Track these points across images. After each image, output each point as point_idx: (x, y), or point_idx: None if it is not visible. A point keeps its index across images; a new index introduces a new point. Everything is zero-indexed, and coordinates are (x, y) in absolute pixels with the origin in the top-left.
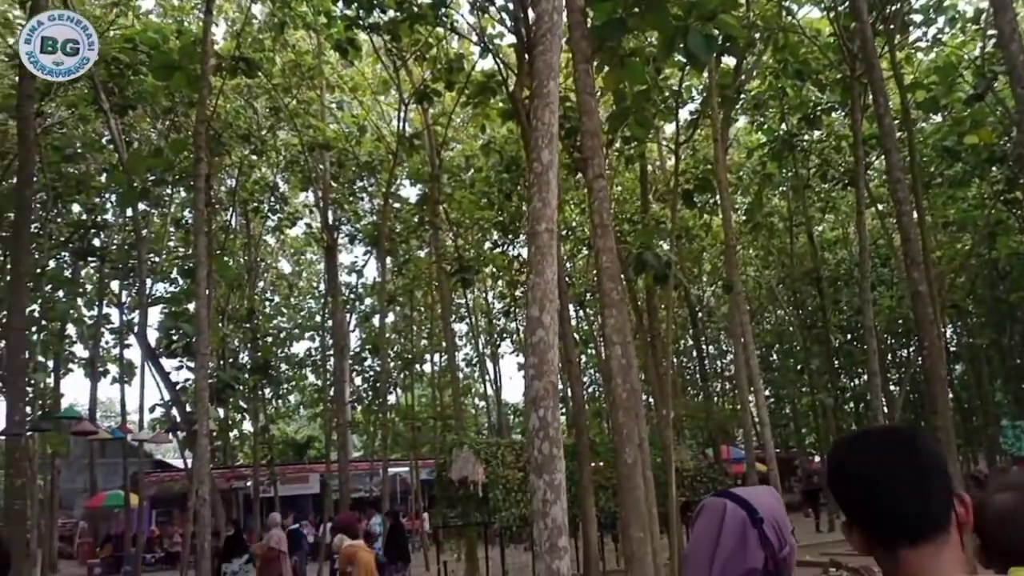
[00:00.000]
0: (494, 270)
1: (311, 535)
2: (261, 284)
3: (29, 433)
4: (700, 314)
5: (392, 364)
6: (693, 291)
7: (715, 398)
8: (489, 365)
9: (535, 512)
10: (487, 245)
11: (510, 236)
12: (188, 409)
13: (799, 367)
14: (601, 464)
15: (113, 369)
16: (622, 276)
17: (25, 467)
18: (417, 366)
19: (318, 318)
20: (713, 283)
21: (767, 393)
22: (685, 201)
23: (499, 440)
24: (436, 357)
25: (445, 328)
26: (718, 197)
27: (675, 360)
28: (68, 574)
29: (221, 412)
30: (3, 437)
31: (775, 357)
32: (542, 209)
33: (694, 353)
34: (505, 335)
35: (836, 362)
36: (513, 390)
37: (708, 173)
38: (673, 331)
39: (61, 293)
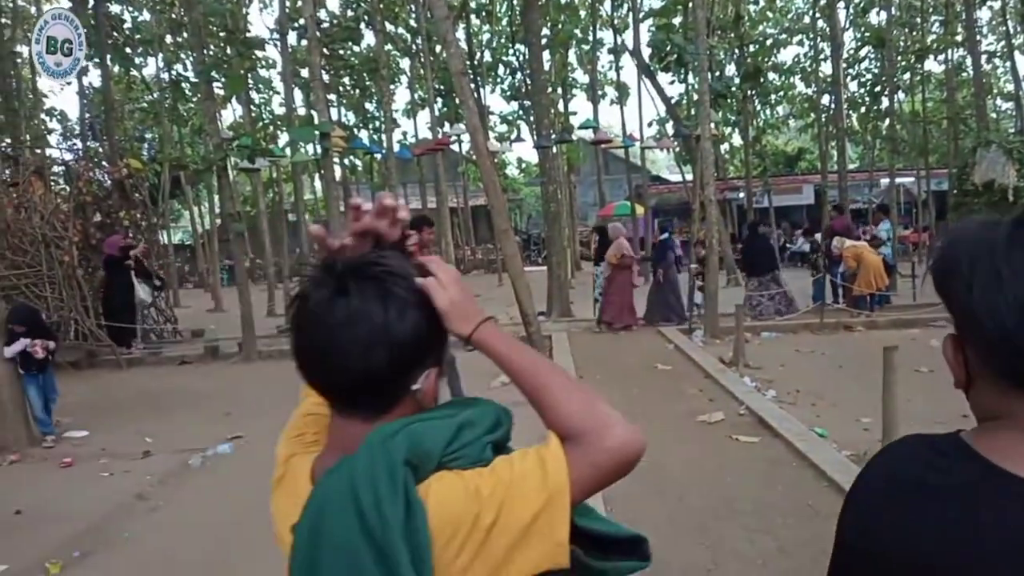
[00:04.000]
0: None
1: (805, 244)
2: None
3: (553, 148)
4: None
5: (895, 63)
6: None
7: None
8: (1018, 57)
9: None
10: None
11: None
12: (683, 122)
13: None
14: None
15: (610, 91)
16: None
17: (555, 174)
18: (928, 60)
19: (807, 19)
20: None
21: None
22: None
23: None
24: (950, 52)
25: (967, 11)
26: None
27: None
28: (588, 271)
29: (712, 125)
30: (536, 149)
31: None
32: None
33: None
34: None
35: None
36: None
37: None
38: None
39: (561, 18)
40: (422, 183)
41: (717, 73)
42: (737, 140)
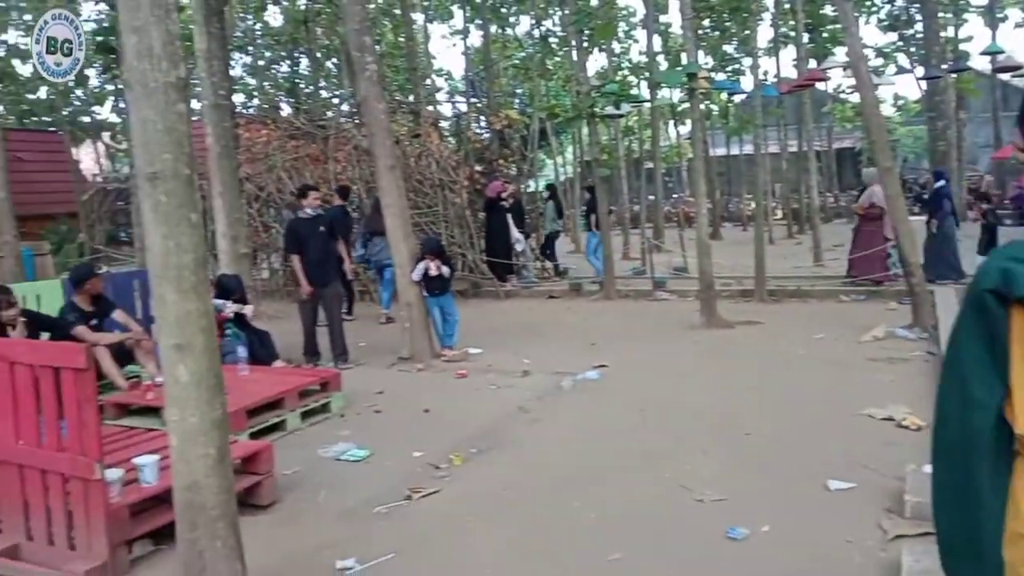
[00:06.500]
0: None
1: None
2: None
3: (943, 77)
4: None
5: None
6: None
7: None
8: None
9: None
10: None
11: None
12: None
13: None
14: None
15: (1014, 14)
16: None
17: (944, 109)
18: None
19: None
20: None
21: None
22: None
23: None
24: None
25: None
26: None
27: None
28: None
29: None
30: (920, 81)
31: None
32: None
33: None
34: None
35: None
36: None
37: None
38: None
39: None
40: (781, 125)
41: None
42: None
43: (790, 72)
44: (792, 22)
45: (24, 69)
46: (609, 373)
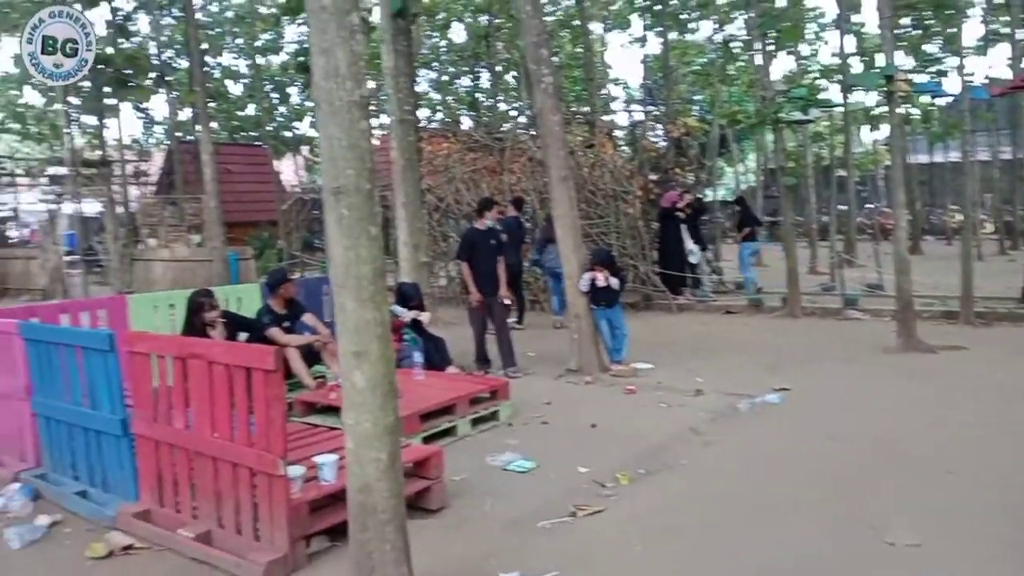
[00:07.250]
0: None
1: None
2: None
3: None
4: None
5: None
6: None
7: None
8: None
9: None
10: None
11: None
12: None
13: None
14: None
15: None
16: None
17: None
18: None
19: None
20: None
21: None
22: None
23: None
24: None
25: None
26: None
27: None
28: None
29: None
30: None
31: None
32: None
33: None
34: None
35: None
36: None
37: None
38: None
39: None
40: (992, 131)
41: None
42: None
43: (1003, 72)
44: (1005, 17)
45: (236, 89)
46: (791, 397)
